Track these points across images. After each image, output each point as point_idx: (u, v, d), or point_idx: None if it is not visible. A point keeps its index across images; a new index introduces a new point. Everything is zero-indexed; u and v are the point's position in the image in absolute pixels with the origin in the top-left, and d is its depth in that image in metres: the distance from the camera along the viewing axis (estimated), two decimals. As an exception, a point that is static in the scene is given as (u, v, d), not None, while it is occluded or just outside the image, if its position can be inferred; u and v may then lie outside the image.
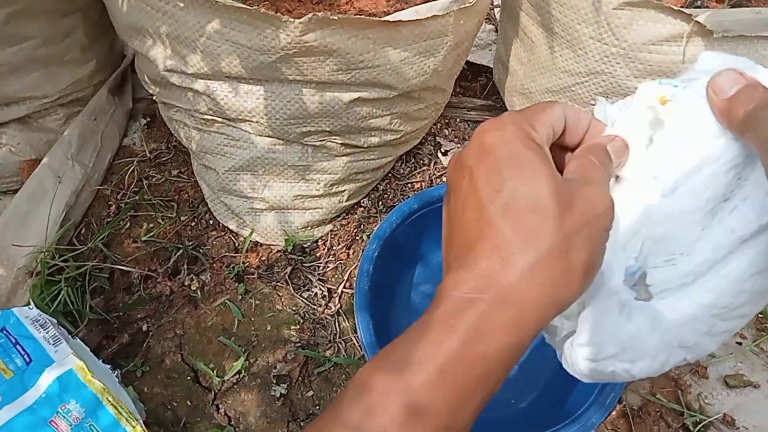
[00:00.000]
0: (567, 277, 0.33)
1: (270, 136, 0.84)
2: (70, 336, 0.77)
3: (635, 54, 0.79)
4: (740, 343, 0.88)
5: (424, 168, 1.05)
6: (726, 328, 0.38)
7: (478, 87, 1.20)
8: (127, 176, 1.03)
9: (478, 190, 0.35)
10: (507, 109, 1.10)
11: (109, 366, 0.78)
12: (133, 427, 0.67)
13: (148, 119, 1.12)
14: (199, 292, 0.90)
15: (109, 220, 0.97)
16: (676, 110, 0.37)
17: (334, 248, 0.96)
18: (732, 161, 0.35)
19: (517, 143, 0.35)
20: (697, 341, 0.38)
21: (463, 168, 0.37)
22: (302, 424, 0.81)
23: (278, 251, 0.95)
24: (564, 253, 0.32)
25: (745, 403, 0.84)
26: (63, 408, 0.66)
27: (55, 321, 0.76)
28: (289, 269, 0.93)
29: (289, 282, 0.92)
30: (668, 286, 0.38)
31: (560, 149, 0.39)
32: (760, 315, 0.90)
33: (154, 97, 0.90)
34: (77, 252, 0.91)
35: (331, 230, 0.98)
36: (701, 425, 0.81)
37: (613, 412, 0.83)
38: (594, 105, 0.43)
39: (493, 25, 1.31)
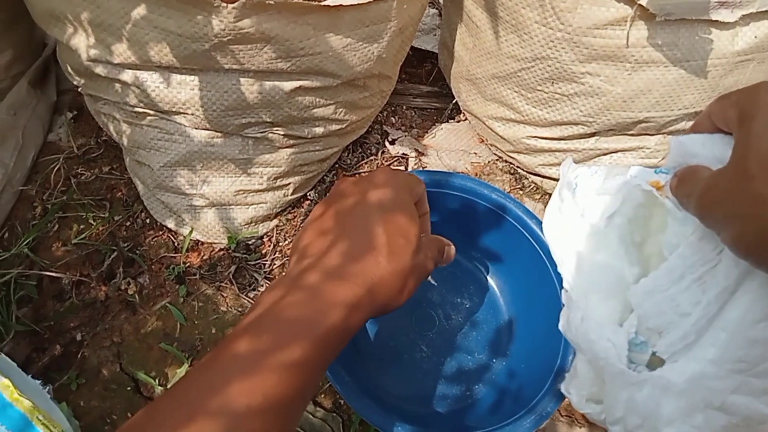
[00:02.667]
0: (399, 292, 0.46)
1: (207, 129, 0.80)
2: (-7, 352, 0.71)
3: (580, 38, 0.78)
4: None
5: (372, 157, 1.02)
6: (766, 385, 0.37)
7: (424, 73, 1.18)
8: (53, 175, 0.96)
9: (368, 205, 0.48)
10: (453, 96, 1.08)
11: (39, 381, 0.72)
12: (68, 446, 0.63)
13: (75, 112, 1.04)
14: (137, 297, 0.85)
15: (34, 222, 0.90)
16: (669, 193, 0.43)
17: (280, 244, 0.92)
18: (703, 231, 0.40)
19: (407, 196, 0.50)
20: (728, 401, 0.38)
21: (362, 184, 0.50)
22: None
23: (221, 250, 0.91)
24: (407, 276, 0.46)
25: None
26: (-14, 433, 0.61)
27: (-25, 336, 0.70)
28: (233, 268, 0.88)
29: (234, 282, 0.88)
30: (674, 349, 0.41)
31: None
32: None
33: (79, 89, 0.84)
34: (0, 259, 0.84)
35: (277, 225, 0.94)
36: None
37: (566, 399, 0.83)
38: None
39: (437, 9, 1.28)
